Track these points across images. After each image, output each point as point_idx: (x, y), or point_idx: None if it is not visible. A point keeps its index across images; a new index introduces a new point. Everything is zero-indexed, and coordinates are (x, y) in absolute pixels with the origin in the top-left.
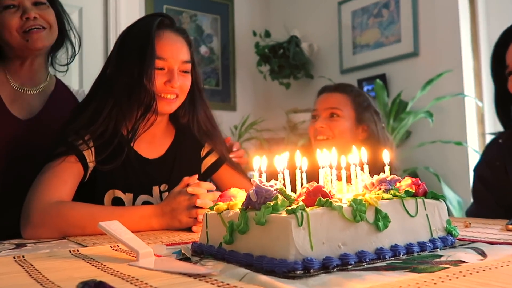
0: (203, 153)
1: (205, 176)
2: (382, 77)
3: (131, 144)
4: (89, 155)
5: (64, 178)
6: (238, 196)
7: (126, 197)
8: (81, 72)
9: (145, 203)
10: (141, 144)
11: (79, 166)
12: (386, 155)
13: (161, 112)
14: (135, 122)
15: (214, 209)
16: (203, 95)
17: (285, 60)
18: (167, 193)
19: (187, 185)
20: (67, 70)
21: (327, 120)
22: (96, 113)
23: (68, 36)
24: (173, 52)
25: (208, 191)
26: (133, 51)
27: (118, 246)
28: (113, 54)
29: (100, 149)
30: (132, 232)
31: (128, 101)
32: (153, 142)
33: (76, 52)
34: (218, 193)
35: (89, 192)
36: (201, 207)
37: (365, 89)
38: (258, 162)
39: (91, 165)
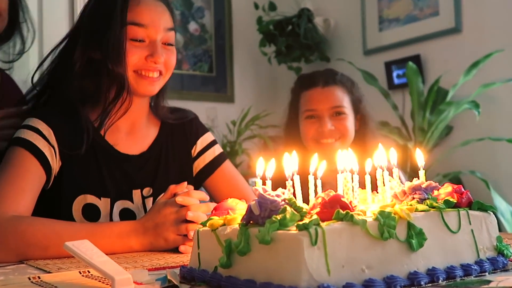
0: (194, 152)
1: (197, 182)
2: (416, 59)
3: (101, 132)
4: (52, 153)
5: (21, 186)
6: (237, 208)
7: (102, 203)
8: (41, 55)
9: (124, 211)
10: (117, 135)
11: (40, 169)
12: (420, 156)
13: (142, 93)
14: (106, 105)
15: (207, 224)
16: None
17: (295, 39)
18: (151, 199)
19: (174, 195)
20: (10, 68)
21: (332, 119)
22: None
23: (20, 28)
24: (153, 18)
25: (200, 201)
26: (100, 19)
27: (88, 272)
28: (78, 24)
29: (66, 143)
30: (106, 254)
31: (94, 80)
32: (132, 134)
33: (26, 49)
34: (213, 204)
35: (53, 200)
36: (192, 222)
37: (394, 74)
38: (262, 166)
39: (55, 166)
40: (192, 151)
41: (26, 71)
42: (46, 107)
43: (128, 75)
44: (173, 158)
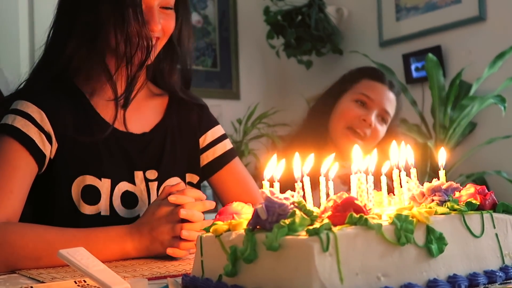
0: (203, 142)
1: (204, 175)
2: (436, 50)
3: (97, 109)
4: (43, 140)
5: (9, 187)
6: (243, 212)
7: (103, 184)
8: (32, 50)
9: (126, 193)
10: (115, 111)
11: (30, 162)
12: (442, 155)
13: (135, 62)
14: (128, 82)
15: (211, 230)
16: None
17: (305, 30)
18: (156, 183)
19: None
20: None
21: (376, 120)
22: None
23: None
24: None
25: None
26: None
27: (84, 281)
28: None
29: (64, 124)
30: (102, 261)
31: (93, 48)
32: (131, 110)
33: None
34: (210, 203)
35: (49, 184)
36: (188, 221)
37: (413, 66)
38: (270, 168)
39: (49, 152)
40: (201, 140)
41: (17, 67)
42: (36, 86)
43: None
44: (179, 143)
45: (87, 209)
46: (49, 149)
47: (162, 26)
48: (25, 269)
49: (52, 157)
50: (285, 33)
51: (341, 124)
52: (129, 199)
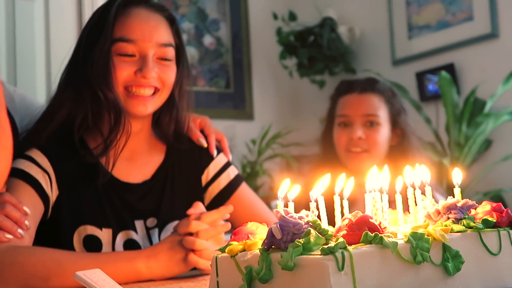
0: (207, 177)
1: (212, 209)
2: (450, 68)
3: (105, 164)
4: (46, 180)
5: None
6: (258, 232)
7: (104, 234)
8: (48, 68)
9: (129, 242)
10: (116, 162)
11: (35, 198)
12: (457, 175)
13: (133, 113)
14: (106, 137)
15: (226, 250)
16: (190, 98)
17: (318, 50)
18: (156, 230)
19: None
20: None
21: (364, 128)
22: (48, 121)
23: None
24: (144, 32)
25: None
26: (89, 37)
27: None
28: (77, 43)
29: (63, 172)
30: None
31: (86, 106)
32: (132, 160)
33: None
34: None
35: (53, 232)
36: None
37: (426, 84)
38: (285, 188)
39: (52, 194)
40: (203, 177)
41: (32, 85)
42: (42, 136)
43: (118, 93)
44: (179, 186)
45: None
46: (50, 191)
47: (160, 76)
48: None
49: (53, 204)
50: (298, 53)
51: (340, 150)
52: (132, 247)
